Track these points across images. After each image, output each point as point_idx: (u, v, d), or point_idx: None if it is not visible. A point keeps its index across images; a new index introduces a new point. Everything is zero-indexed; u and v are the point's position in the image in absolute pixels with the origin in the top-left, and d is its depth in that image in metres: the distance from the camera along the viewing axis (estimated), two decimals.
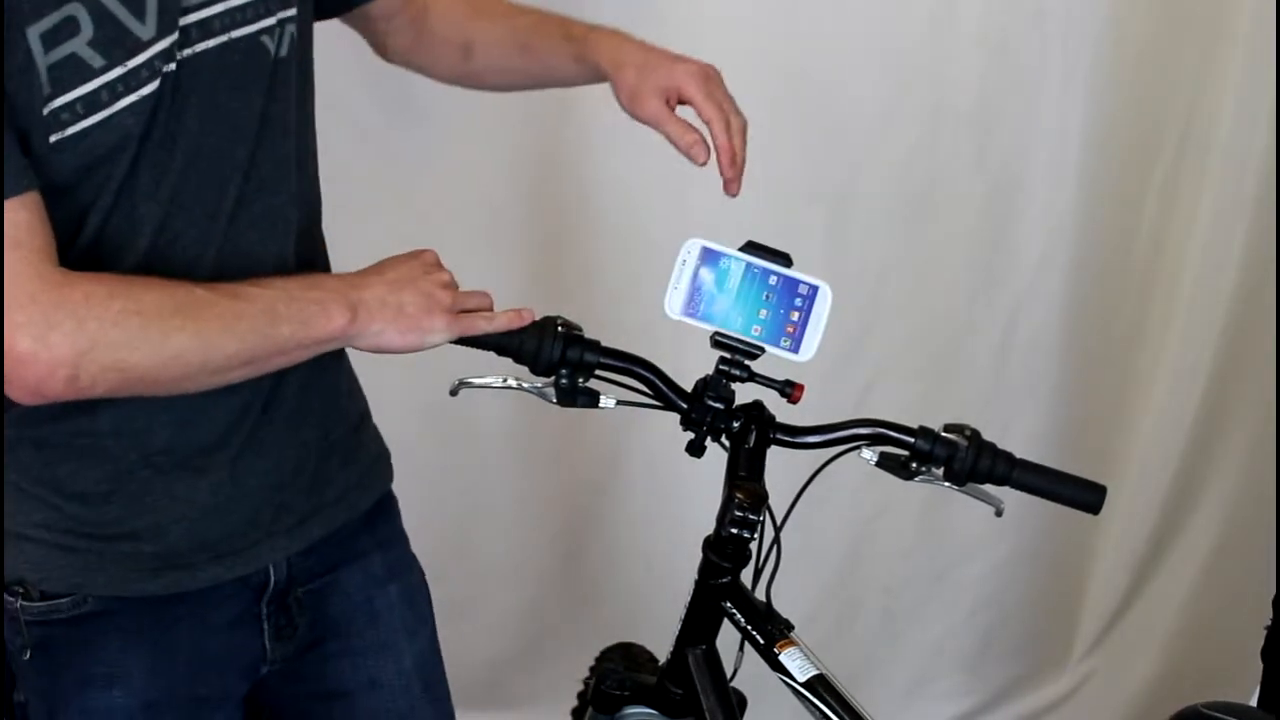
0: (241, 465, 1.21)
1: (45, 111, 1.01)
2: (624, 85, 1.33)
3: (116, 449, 1.15)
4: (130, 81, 1.04)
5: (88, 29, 1.01)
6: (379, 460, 1.39)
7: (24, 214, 1.00)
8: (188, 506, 1.19)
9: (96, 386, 1.02)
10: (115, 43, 1.03)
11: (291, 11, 1.17)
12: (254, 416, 1.20)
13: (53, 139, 1.02)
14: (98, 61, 1.02)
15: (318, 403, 1.27)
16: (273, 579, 1.27)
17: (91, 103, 1.02)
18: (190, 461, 1.18)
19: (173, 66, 1.06)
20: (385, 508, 1.40)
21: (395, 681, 1.36)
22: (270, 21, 1.14)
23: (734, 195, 1.31)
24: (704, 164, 1.29)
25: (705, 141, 1.28)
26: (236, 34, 1.11)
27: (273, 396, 1.21)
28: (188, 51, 1.08)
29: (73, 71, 1.01)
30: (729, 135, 1.30)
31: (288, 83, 1.17)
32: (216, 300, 1.06)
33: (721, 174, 1.30)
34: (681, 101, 1.32)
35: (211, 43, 1.09)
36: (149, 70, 1.05)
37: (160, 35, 1.05)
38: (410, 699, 1.38)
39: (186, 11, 1.07)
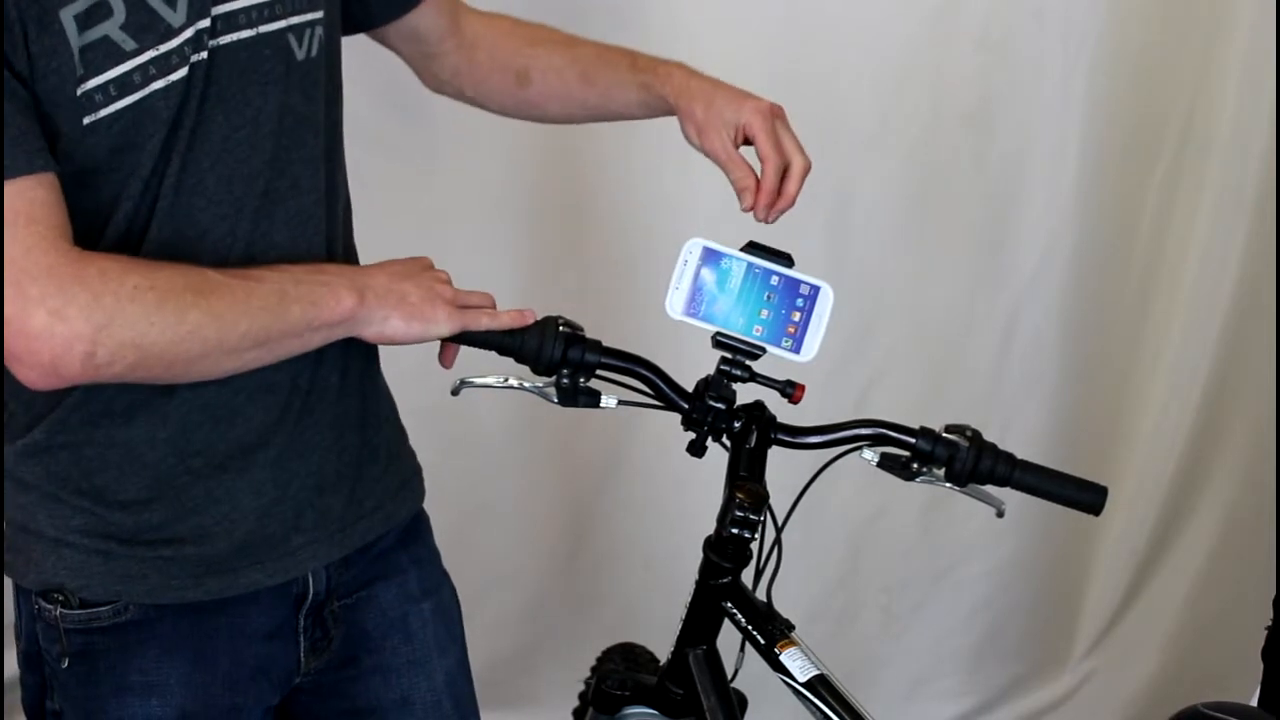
0: (283, 467, 1.21)
1: (78, 93, 1.01)
2: (691, 119, 1.33)
3: (152, 455, 1.15)
4: (162, 65, 1.05)
5: (120, 13, 1.02)
6: (415, 476, 1.39)
7: (41, 192, 1.00)
8: (230, 508, 1.19)
9: (114, 365, 1.01)
10: (146, 28, 1.04)
11: (318, 14, 1.18)
12: (295, 417, 1.20)
13: (86, 121, 1.02)
14: (129, 45, 1.03)
15: (357, 405, 1.27)
16: (312, 590, 1.27)
17: (124, 84, 1.03)
18: (230, 463, 1.18)
19: (204, 55, 1.07)
20: (419, 525, 1.40)
21: (427, 698, 1.36)
22: (295, 20, 1.15)
23: (761, 221, 1.31)
24: (748, 210, 1.30)
25: (754, 188, 1.29)
26: (264, 29, 1.12)
27: (314, 399, 1.21)
28: (214, 43, 1.08)
29: (105, 54, 1.02)
30: (776, 177, 1.30)
31: (316, 84, 1.18)
32: (227, 280, 1.07)
33: (752, 205, 1.29)
34: (747, 139, 1.33)
35: (237, 36, 1.10)
36: (179, 57, 1.05)
37: (188, 24, 1.06)
38: (440, 716, 1.38)
39: (217, 2, 1.08)
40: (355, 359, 1.26)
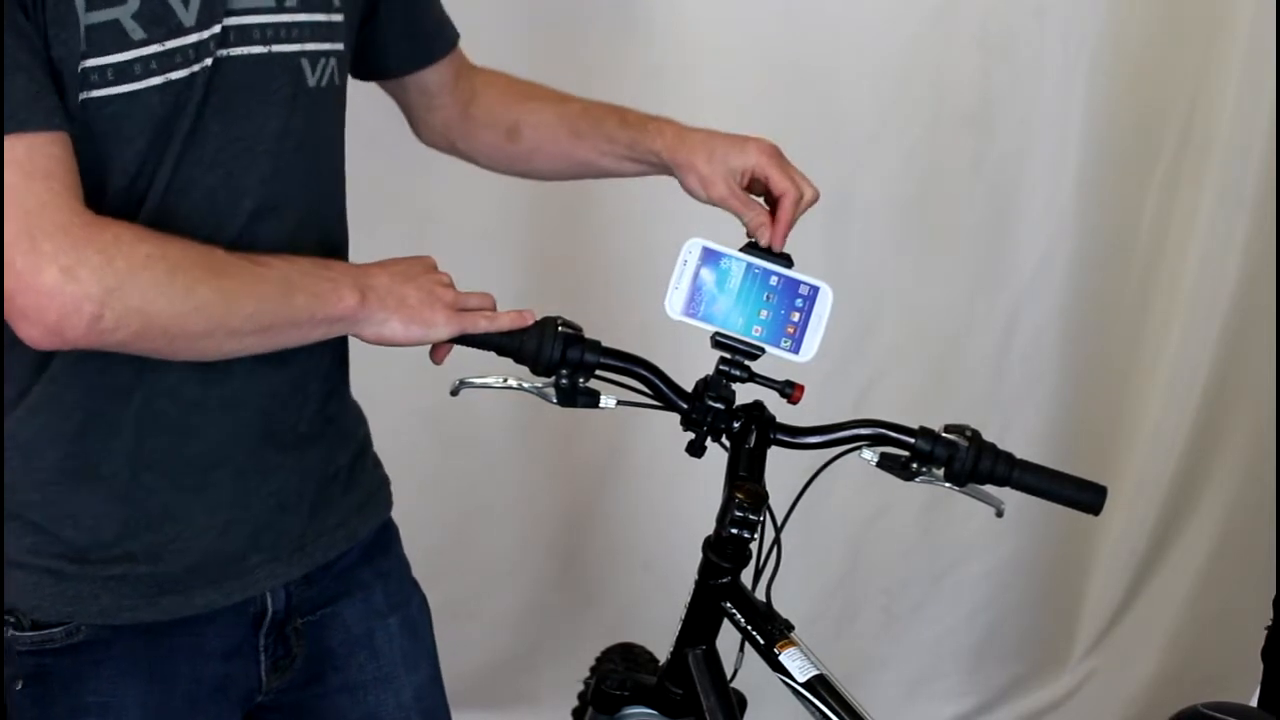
0: (242, 486, 1.19)
1: (79, 69, 1.01)
2: (693, 171, 1.33)
3: (107, 467, 1.13)
4: (164, 62, 1.04)
5: (134, 1, 1.02)
6: (380, 488, 1.38)
7: (57, 149, 0.99)
8: (184, 526, 1.17)
9: (118, 331, 1.00)
10: (158, 20, 1.03)
11: (337, 47, 1.18)
12: (254, 437, 1.19)
13: (81, 97, 1.02)
14: (138, 34, 1.03)
15: (324, 428, 1.26)
16: (270, 609, 1.25)
17: (123, 72, 1.03)
18: (185, 479, 1.16)
19: (208, 63, 1.07)
20: (385, 537, 1.38)
21: (395, 715, 1.35)
22: (311, 47, 1.15)
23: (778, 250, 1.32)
24: (767, 245, 1.31)
25: (769, 223, 1.31)
26: (278, 49, 1.12)
27: (277, 419, 1.20)
28: (223, 53, 1.08)
29: (111, 37, 1.02)
30: (793, 211, 1.31)
31: (323, 113, 1.18)
32: (237, 261, 1.07)
33: (770, 241, 1.31)
34: (754, 180, 1.33)
35: (248, 50, 1.10)
36: (183, 57, 1.05)
37: (199, 27, 1.06)
38: None
39: (231, 13, 1.08)
40: (321, 378, 1.25)
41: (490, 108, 1.44)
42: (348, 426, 1.32)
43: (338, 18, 1.18)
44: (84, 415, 1.12)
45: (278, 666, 1.28)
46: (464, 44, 1.44)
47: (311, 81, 1.15)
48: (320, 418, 1.25)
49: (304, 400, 1.23)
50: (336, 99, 1.21)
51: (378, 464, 1.39)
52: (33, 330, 0.99)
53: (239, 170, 1.11)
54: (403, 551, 1.41)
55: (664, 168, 1.37)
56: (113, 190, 1.06)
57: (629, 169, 1.41)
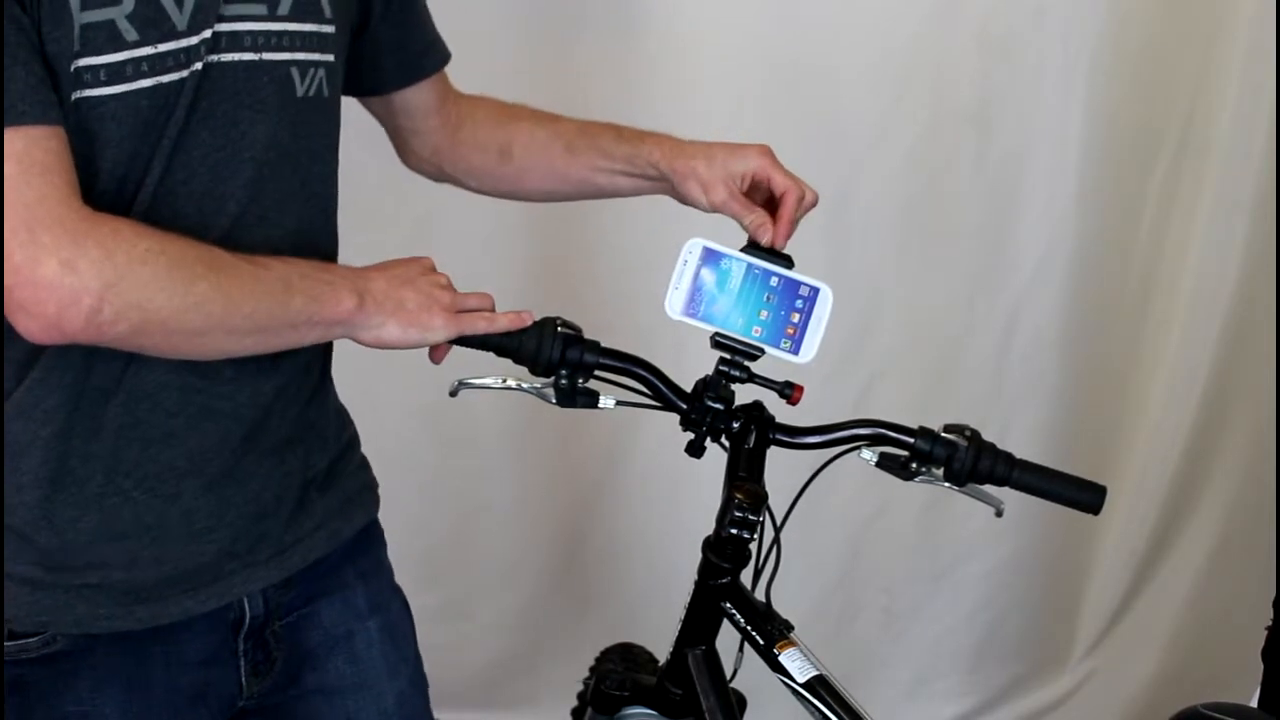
0: (218, 495, 1.18)
1: (72, 68, 1.01)
2: (694, 176, 1.34)
3: (83, 470, 1.12)
4: (156, 65, 1.04)
5: (129, 2, 1.02)
6: (364, 490, 1.36)
7: (54, 143, 0.99)
8: (158, 533, 1.16)
9: (117, 324, 0.99)
10: (152, 23, 1.03)
11: (328, 58, 1.18)
12: (233, 444, 1.18)
13: (73, 96, 1.02)
14: (131, 35, 1.03)
15: (303, 433, 1.25)
16: (249, 614, 1.24)
17: (115, 73, 1.03)
18: (160, 487, 1.15)
19: (198, 67, 1.07)
20: (369, 538, 1.37)
21: None
22: (301, 56, 1.15)
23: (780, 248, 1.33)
24: (770, 244, 1.31)
25: (770, 223, 1.31)
26: (267, 57, 1.12)
27: (255, 427, 1.19)
28: (213, 58, 1.08)
29: (106, 38, 1.02)
30: (796, 209, 1.32)
31: (309, 124, 1.17)
32: (236, 260, 1.06)
33: (773, 240, 1.31)
34: (754, 185, 1.34)
35: (238, 56, 1.09)
36: (174, 60, 1.05)
37: (191, 31, 1.05)
38: None
39: (223, 19, 1.08)
40: (302, 385, 1.24)
41: (480, 130, 1.44)
42: (328, 430, 1.31)
43: (329, 29, 1.18)
44: (65, 419, 1.11)
45: (257, 671, 1.27)
46: (461, 49, 1.44)
47: (300, 91, 1.15)
48: (300, 421, 1.25)
49: (285, 406, 1.22)
50: (327, 110, 1.21)
51: (365, 466, 1.38)
52: (31, 324, 0.99)
53: (225, 176, 1.11)
54: (387, 557, 1.40)
55: (662, 180, 1.37)
56: (101, 191, 1.06)
57: (625, 186, 1.41)
